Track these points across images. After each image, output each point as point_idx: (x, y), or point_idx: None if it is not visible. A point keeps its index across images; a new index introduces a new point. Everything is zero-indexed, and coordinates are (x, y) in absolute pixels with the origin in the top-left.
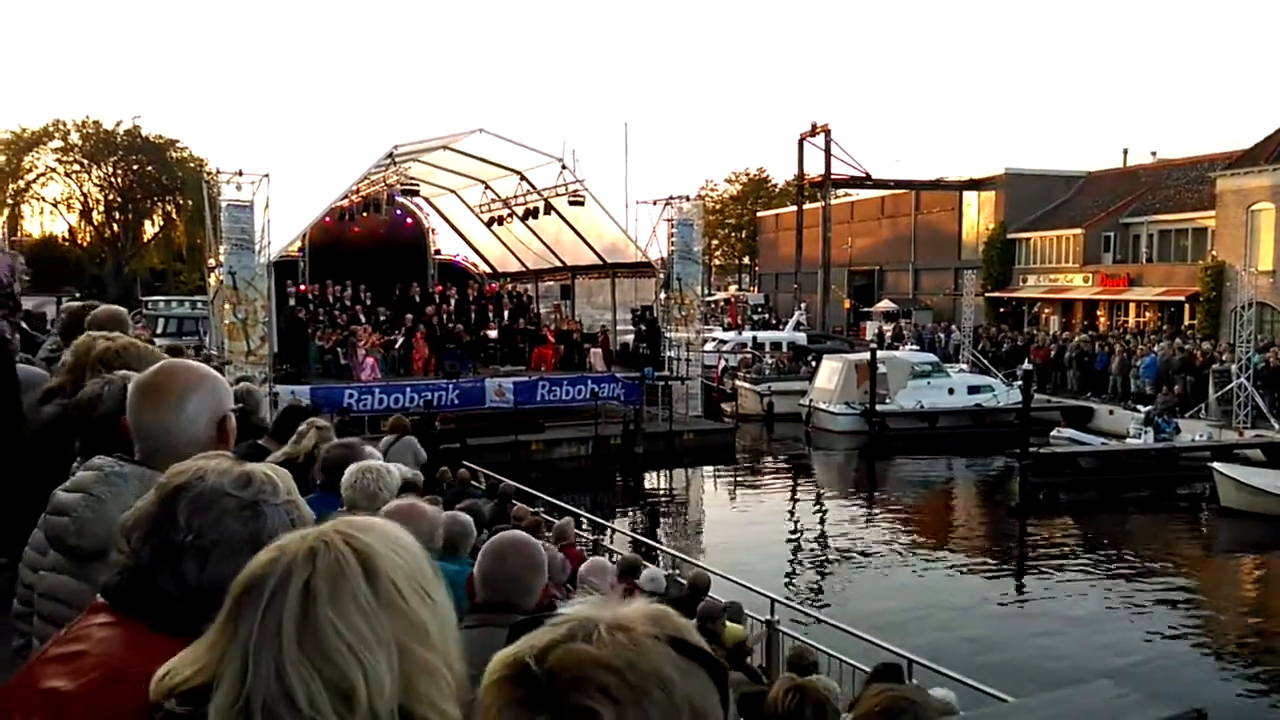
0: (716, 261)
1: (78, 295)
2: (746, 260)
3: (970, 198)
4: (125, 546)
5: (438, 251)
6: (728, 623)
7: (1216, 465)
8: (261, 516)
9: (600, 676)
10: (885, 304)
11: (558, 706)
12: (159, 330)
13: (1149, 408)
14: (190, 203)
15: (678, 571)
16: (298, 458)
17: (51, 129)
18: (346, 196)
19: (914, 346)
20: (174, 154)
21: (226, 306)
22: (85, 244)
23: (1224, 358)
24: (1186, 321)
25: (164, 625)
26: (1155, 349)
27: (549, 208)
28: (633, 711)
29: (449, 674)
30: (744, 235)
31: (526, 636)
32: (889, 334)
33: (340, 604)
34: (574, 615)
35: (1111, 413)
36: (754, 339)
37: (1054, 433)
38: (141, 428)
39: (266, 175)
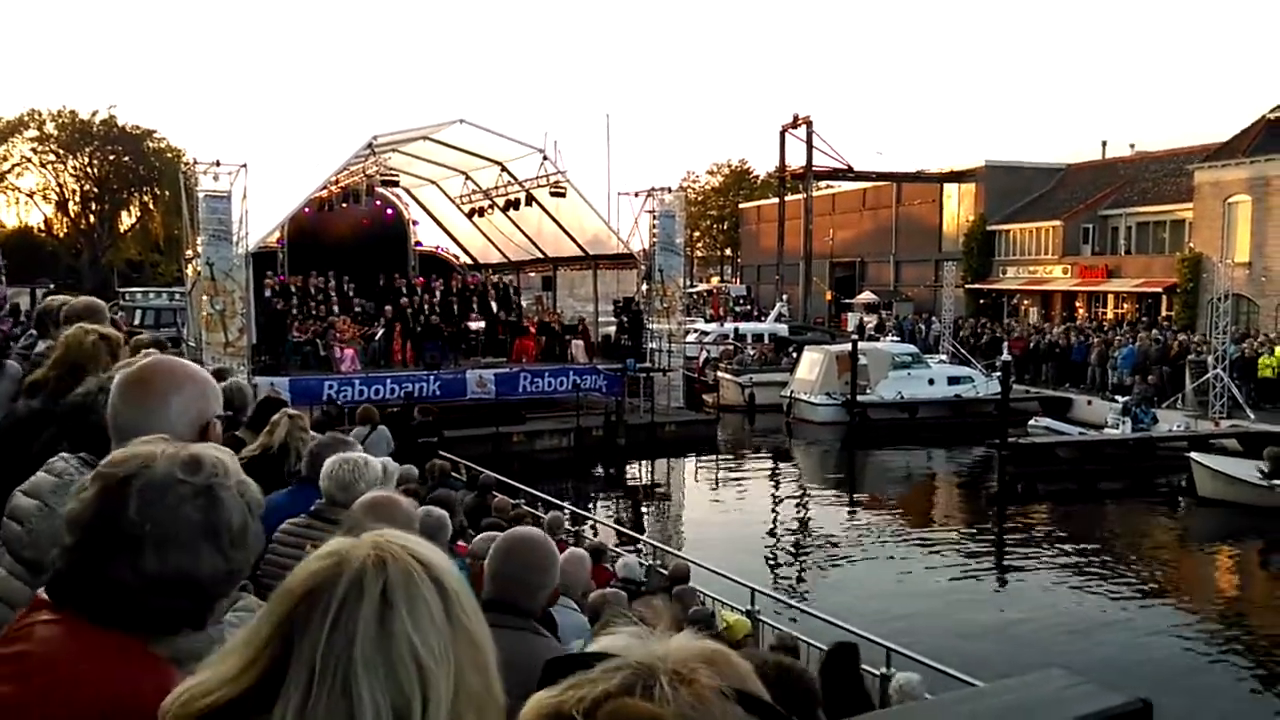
0: (698, 253)
1: (52, 287)
2: (728, 252)
3: (950, 190)
4: (68, 540)
5: (418, 243)
6: (731, 616)
7: (1193, 455)
8: (218, 501)
9: None
10: (866, 295)
11: None
12: (136, 322)
13: (1127, 398)
14: (167, 193)
15: (659, 562)
16: (271, 448)
17: (26, 119)
18: (325, 187)
19: (894, 338)
20: (151, 144)
21: (204, 298)
22: (61, 235)
23: (1200, 349)
24: (1164, 313)
25: (116, 620)
26: (1133, 340)
27: (530, 199)
28: None
29: (498, 697)
30: (726, 227)
31: (570, 682)
32: (870, 325)
33: (417, 617)
34: (626, 660)
35: (1090, 403)
36: (736, 330)
37: (1031, 422)
38: (119, 423)
39: (244, 165)
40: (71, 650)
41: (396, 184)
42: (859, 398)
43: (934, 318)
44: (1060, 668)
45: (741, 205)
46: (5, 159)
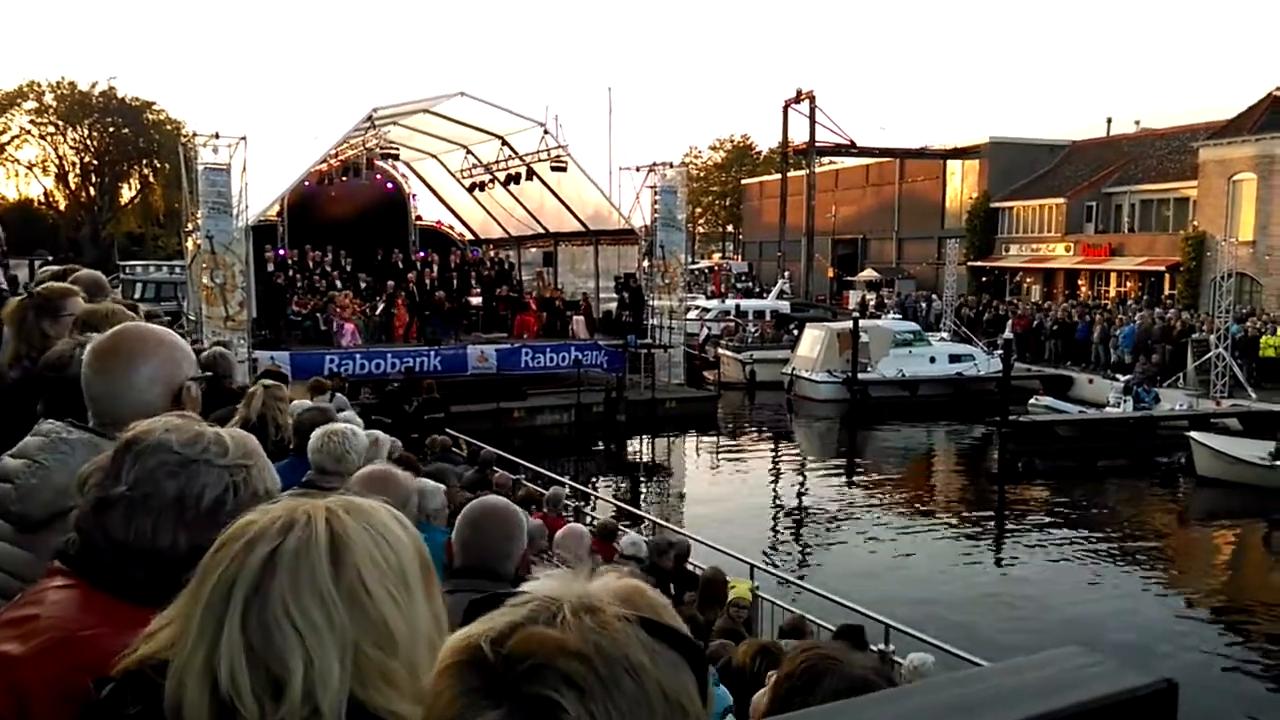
0: (700, 229)
1: (50, 259)
2: (730, 228)
3: (954, 166)
4: (79, 502)
5: (419, 217)
6: (733, 579)
7: (1193, 434)
8: (194, 476)
9: (564, 664)
10: (868, 273)
11: (516, 696)
12: (137, 295)
13: (1128, 377)
14: (167, 166)
15: (659, 538)
16: (250, 419)
17: (26, 89)
18: (325, 160)
19: (896, 315)
20: (150, 116)
21: (204, 271)
22: (61, 208)
23: (1202, 327)
24: (1167, 291)
25: (104, 585)
26: (1135, 318)
27: (531, 173)
28: (599, 701)
29: (411, 678)
30: (728, 203)
31: (484, 618)
32: (872, 303)
33: (297, 585)
34: (537, 594)
35: (1091, 381)
36: (737, 307)
37: (1032, 400)
38: (91, 392)
39: (244, 138)
40: (75, 614)
41: (396, 157)
42: (860, 375)
43: (935, 295)
44: (1076, 646)
45: (744, 181)
46: (4, 131)
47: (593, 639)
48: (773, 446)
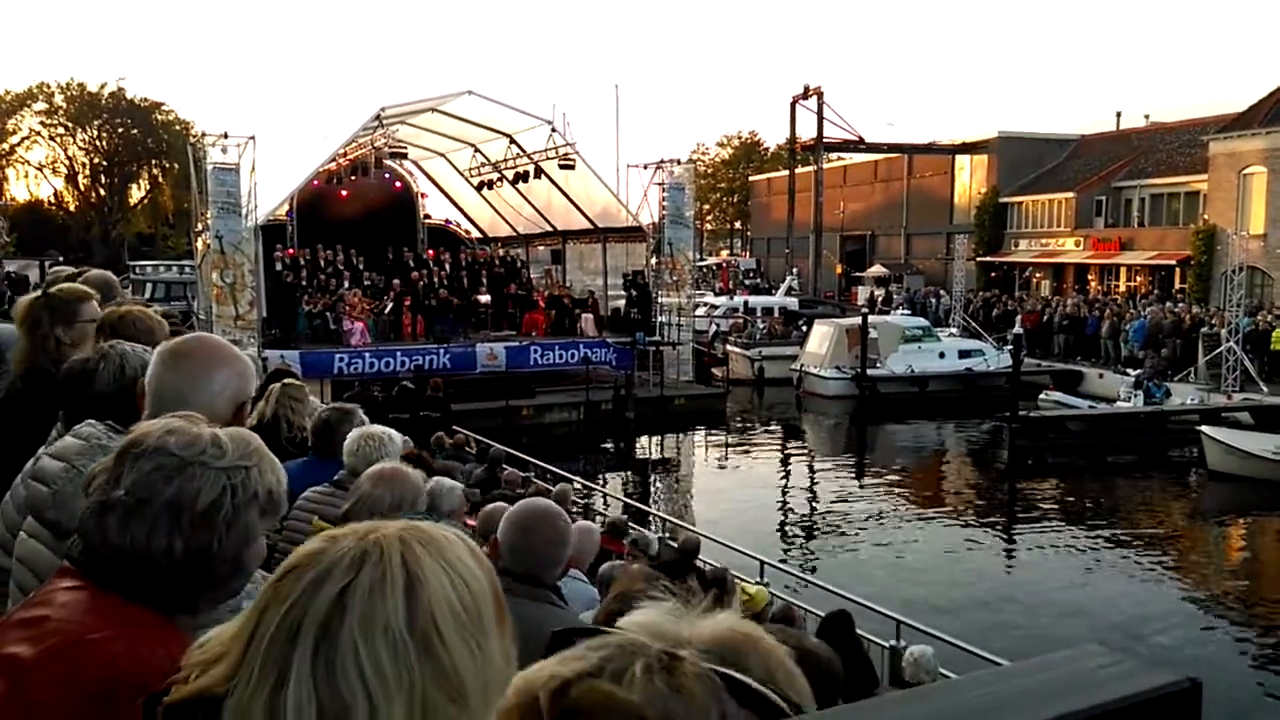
0: (708, 226)
1: (61, 259)
2: (738, 225)
3: (963, 161)
4: (84, 503)
5: (427, 216)
6: (752, 588)
7: (1204, 429)
8: (191, 479)
9: None
10: (877, 268)
11: None
12: (147, 295)
13: (1139, 371)
14: (177, 166)
15: (669, 535)
16: (265, 417)
17: (35, 91)
18: (334, 159)
19: (905, 311)
20: (159, 117)
21: (214, 271)
22: (72, 208)
23: (1213, 322)
24: (1177, 285)
25: (111, 586)
26: (1145, 312)
27: (539, 171)
28: None
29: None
30: (736, 199)
31: (559, 658)
32: (880, 298)
33: (369, 628)
34: (624, 635)
35: (1101, 376)
36: (745, 304)
37: (1041, 395)
38: (159, 389)
39: (252, 138)
40: (83, 616)
41: (405, 156)
42: (869, 371)
43: (944, 291)
44: (1096, 644)
45: (751, 178)
46: (14, 132)
47: (660, 702)
48: (782, 443)
